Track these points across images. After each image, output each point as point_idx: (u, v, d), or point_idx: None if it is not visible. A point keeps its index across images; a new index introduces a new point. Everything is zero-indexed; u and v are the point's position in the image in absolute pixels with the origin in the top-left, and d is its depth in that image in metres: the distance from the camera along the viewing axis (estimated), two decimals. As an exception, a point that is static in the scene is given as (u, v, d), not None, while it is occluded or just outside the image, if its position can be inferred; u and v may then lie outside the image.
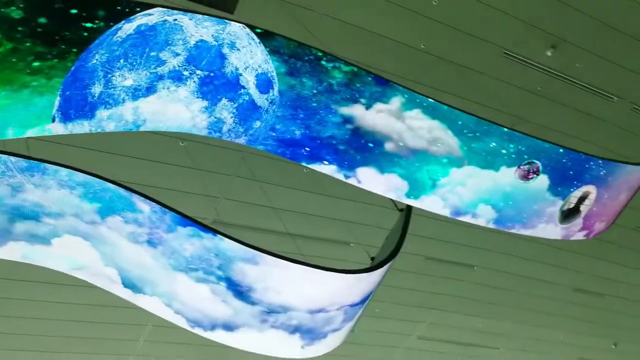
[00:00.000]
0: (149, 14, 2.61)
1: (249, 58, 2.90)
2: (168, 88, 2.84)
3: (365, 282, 3.50)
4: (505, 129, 3.40)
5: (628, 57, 5.24)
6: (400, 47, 4.81)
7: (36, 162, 3.03)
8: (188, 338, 3.79)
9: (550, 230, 3.91)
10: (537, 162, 3.52)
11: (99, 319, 6.49)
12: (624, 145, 5.95)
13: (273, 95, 3.05)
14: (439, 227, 6.14)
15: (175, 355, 7.35)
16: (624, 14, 4.86)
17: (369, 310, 3.92)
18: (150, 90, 2.81)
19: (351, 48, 4.36)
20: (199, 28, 2.75)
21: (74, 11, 2.45)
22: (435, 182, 3.47)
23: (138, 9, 2.57)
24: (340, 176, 3.36)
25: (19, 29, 2.38)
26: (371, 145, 3.29)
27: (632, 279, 8.47)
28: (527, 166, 3.50)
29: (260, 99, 3.03)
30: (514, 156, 3.46)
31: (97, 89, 2.68)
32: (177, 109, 2.91)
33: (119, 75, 2.70)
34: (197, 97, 2.92)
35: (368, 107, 3.19)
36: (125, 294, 3.46)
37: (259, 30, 2.85)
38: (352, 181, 3.39)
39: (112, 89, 2.72)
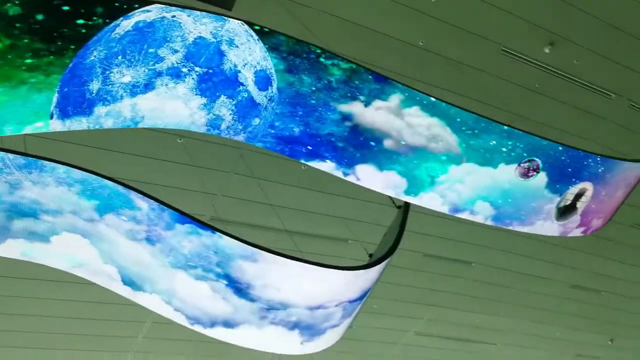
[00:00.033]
0: (147, 11, 2.60)
1: (248, 55, 2.89)
2: (166, 85, 2.82)
3: (363, 279, 3.51)
4: (504, 127, 3.40)
5: (626, 55, 5.24)
6: (399, 44, 4.81)
7: (34, 159, 3.03)
8: (187, 335, 3.79)
9: (548, 227, 3.92)
10: (537, 159, 3.52)
11: (98, 316, 6.49)
12: (622, 142, 5.96)
13: (272, 92, 3.04)
14: (437, 224, 6.14)
15: (175, 352, 7.36)
16: (622, 11, 4.86)
17: (367, 306, 3.93)
18: (148, 87, 2.79)
19: (349, 45, 4.36)
20: (197, 25, 2.74)
21: (71, 8, 2.44)
22: (434, 179, 3.47)
23: (136, 6, 2.55)
24: (339, 173, 3.35)
25: (17, 25, 2.37)
26: (370, 142, 3.28)
27: (629, 276, 8.49)
28: (527, 164, 3.50)
29: (259, 96, 3.02)
30: (512, 153, 3.46)
31: (95, 85, 2.67)
32: (175, 106, 2.90)
33: (117, 72, 2.69)
34: (196, 94, 2.91)
35: (367, 104, 3.18)
36: (125, 292, 3.47)
37: (257, 27, 2.84)
38: (350, 178, 3.38)
39: (110, 86, 2.71)
